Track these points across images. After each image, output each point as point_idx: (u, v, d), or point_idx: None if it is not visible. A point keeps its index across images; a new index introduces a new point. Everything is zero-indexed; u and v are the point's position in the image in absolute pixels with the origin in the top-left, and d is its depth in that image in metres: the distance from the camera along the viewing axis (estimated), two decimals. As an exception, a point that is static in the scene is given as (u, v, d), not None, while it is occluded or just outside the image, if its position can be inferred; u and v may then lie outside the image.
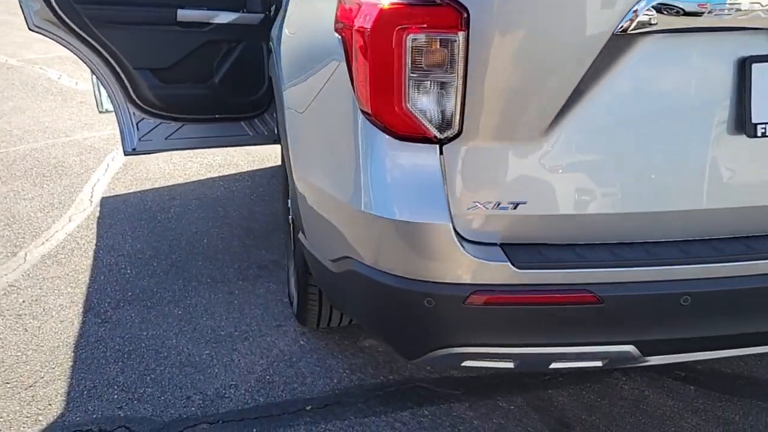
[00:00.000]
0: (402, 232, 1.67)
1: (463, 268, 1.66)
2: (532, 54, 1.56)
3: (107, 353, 2.72)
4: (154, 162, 4.74)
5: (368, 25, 1.61)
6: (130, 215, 3.97)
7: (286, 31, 2.42)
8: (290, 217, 2.63)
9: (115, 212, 4.01)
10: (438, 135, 1.65)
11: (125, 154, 3.68)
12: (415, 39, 1.57)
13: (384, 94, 1.64)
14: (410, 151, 1.67)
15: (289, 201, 2.76)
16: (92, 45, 3.38)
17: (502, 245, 1.70)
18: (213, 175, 4.57)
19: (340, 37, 1.78)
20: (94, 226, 3.83)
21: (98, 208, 4.06)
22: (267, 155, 4.92)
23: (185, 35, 3.49)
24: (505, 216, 1.68)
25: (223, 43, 3.61)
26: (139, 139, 3.68)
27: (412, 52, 1.58)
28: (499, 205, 1.67)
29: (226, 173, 4.62)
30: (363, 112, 1.71)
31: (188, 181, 4.49)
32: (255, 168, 4.72)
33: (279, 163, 4.78)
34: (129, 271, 3.34)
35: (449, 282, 1.67)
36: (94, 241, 3.64)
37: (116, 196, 4.25)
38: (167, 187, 4.39)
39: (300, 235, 2.30)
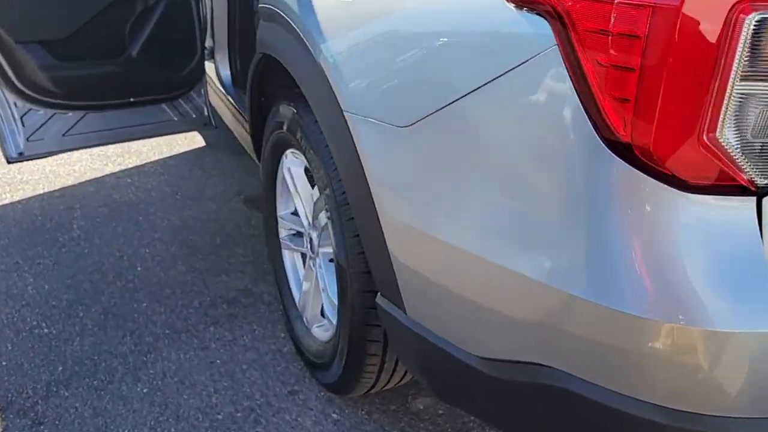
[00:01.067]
0: (694, 344, 0.99)
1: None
2: None
3: (60, 479, 1.85)
4: (26, 157, 3.63)
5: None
6: (17, 239, 2.94)
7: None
8: (332, 258, 1.85)
9: (-6, 236, 2.96)
10: (760, 181, 0.97)
11: (9, 162, 2.66)
12: (762, 20, 0.87)
13: (677, 116, 0.93)
14: (706, 209, 0.99)
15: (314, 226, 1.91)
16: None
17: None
18: (113, 170, 3.57)
19: (543, 12, 1.03)
20: (-29, 260, 2.78)
21: (-33, 232, 2.99)
22: (174, 135, 3.95)
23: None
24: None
25: (139, 1, 2.65)
26: (27, 139, 2.68)
27: (749, 45, 0.88)
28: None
29: (130, 165, 3.62)
30: (611, 142, 1.00)
31: (82, 180, 3.46)
32: (165, 155, 3.76)
33: (196, 146, 3.88)
34: (46, 330, 2.39)
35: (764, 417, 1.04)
36: (-21, 286, 2.62)
37: (-12, 211, 3.17)
38: (57, 191, 3.35)
39: (380, 300, 1.55)
